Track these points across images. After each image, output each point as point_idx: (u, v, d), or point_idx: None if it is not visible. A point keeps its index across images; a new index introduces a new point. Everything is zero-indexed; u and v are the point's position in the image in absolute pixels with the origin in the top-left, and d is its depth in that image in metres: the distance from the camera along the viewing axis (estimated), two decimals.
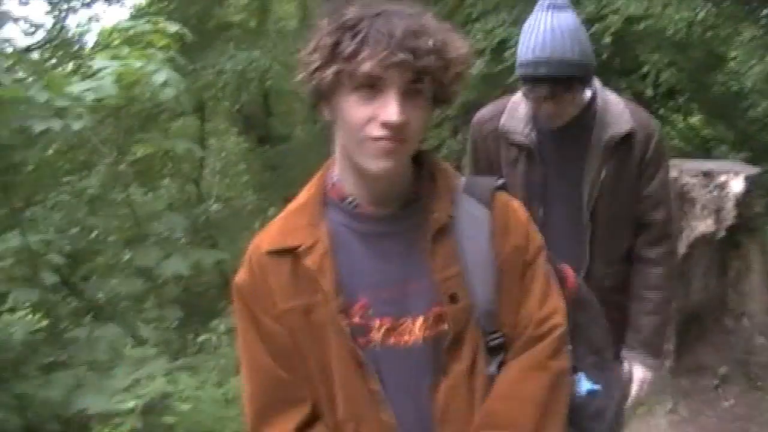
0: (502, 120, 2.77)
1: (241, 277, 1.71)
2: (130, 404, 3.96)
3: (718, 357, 4.86)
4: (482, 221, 1.65)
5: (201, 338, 6.44)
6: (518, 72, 2.60)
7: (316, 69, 1.53)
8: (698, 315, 4.84)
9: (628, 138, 2.65)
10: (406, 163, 1.65)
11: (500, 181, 1.76)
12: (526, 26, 2.62)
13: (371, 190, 1.65)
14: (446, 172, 1.74)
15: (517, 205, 1.75)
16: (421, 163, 1.72)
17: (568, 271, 1.97)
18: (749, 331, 4.86)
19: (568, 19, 2.58)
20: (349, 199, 1.68)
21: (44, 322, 5.67)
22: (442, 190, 1.68)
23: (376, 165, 1.54)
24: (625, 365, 2.84)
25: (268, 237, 1.71)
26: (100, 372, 4.33)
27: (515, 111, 2.78)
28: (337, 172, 1.70)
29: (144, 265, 4.92)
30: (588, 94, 2.72)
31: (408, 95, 1.51)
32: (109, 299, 5.82)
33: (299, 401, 1.68)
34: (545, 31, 2.53)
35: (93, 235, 6.49)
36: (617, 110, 2.70)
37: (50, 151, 7.07)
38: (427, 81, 1.52)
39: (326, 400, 1.66)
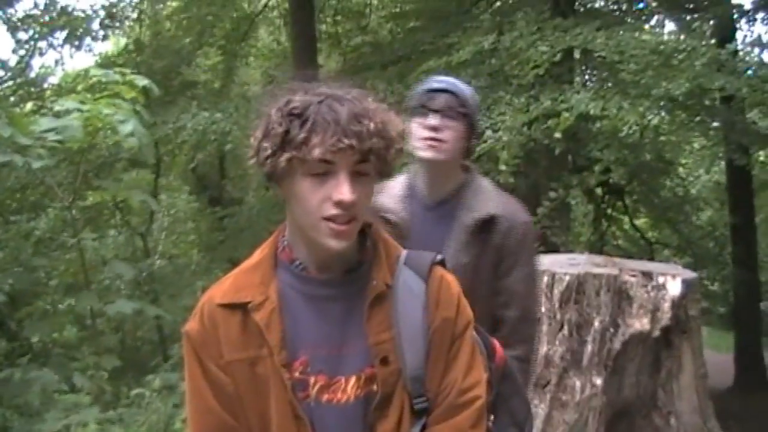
0: (379, 197, 2.77)
1: (191, 325, 1.77)
2: None
3: None
4: (418, 293, 1.76)
5: (134, 392, 6.35)
6: (414, 104, 2.68)
7: (268, 156, 1.64)
8: (628, 411, 4.93)
9: (490, 224, 2.62)
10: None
11: (439, 257, 1.86)
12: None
13: (319, 258, 1.75)
14: (387, 242, 1.85)
15: (451, 279, 1.85)
16: (364, 232, 1.82)
17: (497, 345, 2.08)
18: (675, 430, 4.94)
19: None
20: (297, 262, 1.77)
21: None
22: (382, 260, 1.80)
23: (331, 244, 1.65)
24: None
25: (221, 291, 1.78)
26: (29, 415, 4.25)
27: (392, 189, 2.82)
28: (288, 237, 1.81)
29: (85, 307, 4.87)
30: (463, 176, 2.75)
31: (356, 175, 1.63)
32: (45, 344, 5.75)
33: None
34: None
35: (36, 276, 6.43)
36: (486, 196, 2.70)
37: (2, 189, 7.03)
38: (372, 160, 1.64)
39: None
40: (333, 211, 1.62)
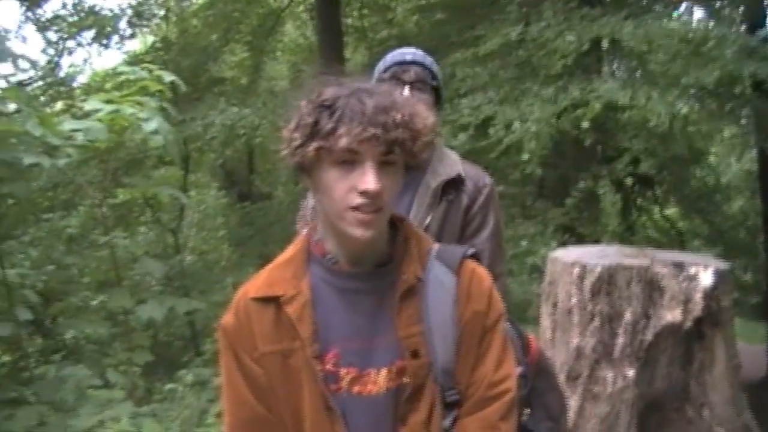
0: None
1: (227, 319, 1.82)
2: None
3: None
4: (448, 286, 1.78)
5: (167, 387, 6.41)
6: (384, 75, 2.68)
7: (299, 146, 1.69)
8: (660, 403, 4.90)
9: (456, 184, 2.66)
10: (383, 227, 1.78)
11: (471, 251, 1.88)
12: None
13: (349, 251, 1.78)
14: (419, 237, 1.88)
15: (482, 272, 1.86)
16: (395, 227, 1.86)
17: (533, 339, 2.08)
18: (709, 422, 4.89)
19: None
20: (329, 256, 1.81)
21: (6, 357, 5.64)
22: (413, 254, 1.82)
23: (357, 233, 1.68)
24: None
25: (255, 285, 1.83)
26: (64, 411, 4.30)
27: None
28: (320, 231, 1.84)
29: (119, 306, 4.91)
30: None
31: (382, 166, 1.67)
32: (78, 340, 5.81)
33: None
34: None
35: (68, 274, 6.49)
36: (451, 161, 2.74)
37: (34, 188, 7.09)
38: (397, 152, 1.67)
39: None
40: (359, 200, 1.64)
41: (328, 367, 1.73)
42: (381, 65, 2.73)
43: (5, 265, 4.82)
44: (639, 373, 4.95)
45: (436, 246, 1.87)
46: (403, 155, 1.68)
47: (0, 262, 4.51)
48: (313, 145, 1.65)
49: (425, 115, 1.74)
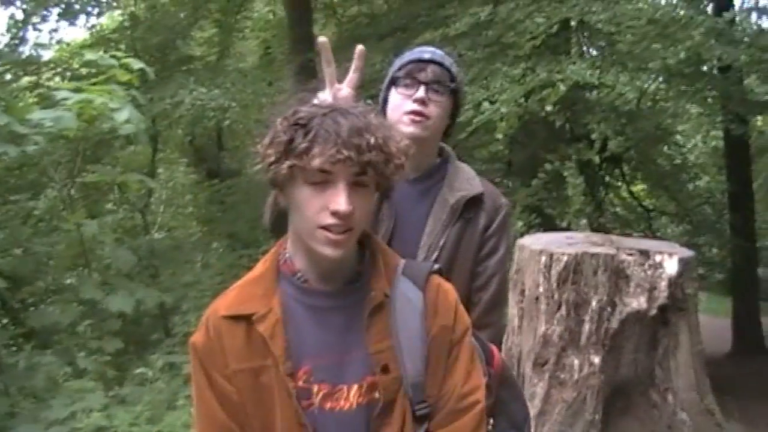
0: None
1: (197, 337, 1.83)
2: None
3: (642, 430, 4.96)
4: (415, 302, 1.81)
5: (137, 371, 6.40)
6: (398, 74, 2.51)
7: (272, 163, 1.70)
8: (626, 388, 4.97)
9: (477, 202, 2.54)
10: (352, 246, 1.80)
11: (436, 266, 1.92)
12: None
13: (319, 269, 1.80)
14: (386, 253, 1.91)
15: (448, 287, 1.90)
16: (363, 244, 1.88)
17: (495, 351, 2.11)
18: (672, 407, 4.98)
19: None
20: (299, 274, 1.82)
21: None
22: (380, 270, 1.85)
23: (327, 252, 1.71)
24: None
25: (225, 303, 1.82)
26: (36, 401, 4.30)
27: None
28: (289, 249, 1.85)
29: (89, 297, 4.90)
30: (438, 161, 2.62)
31: (354, 187, 1.68)
32: (46, 327, 5.78)
33: None
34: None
35: (36, 257, 6.44)
36: (468, 176, 2.61)
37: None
38: (370, 173, 1.69)
39: None
40: (330, 220, 1.66)
41: (300, 383, 1.74)
42: (397, 63, 2.57)
43: None
44: (605, 359, 5.03)
45: (402, 261, 1.89)
46: (375, 177, 1.70)
47: None
48: (287, 164, 1.66)
49: (399, 138, 1.76)
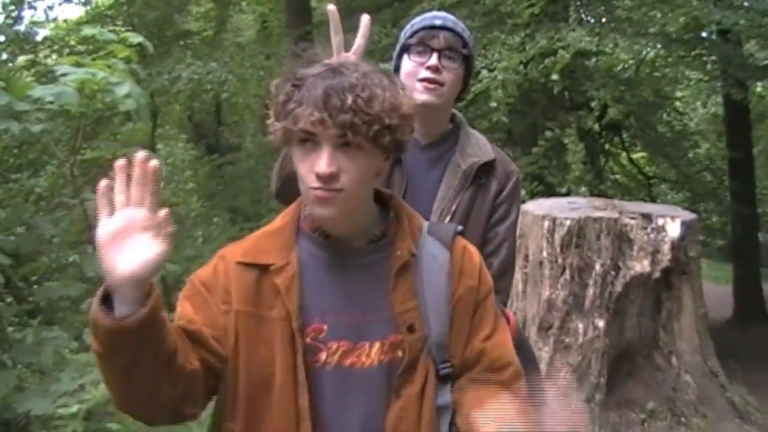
0: None
1: (203, 272, 1.80)
2: (73, 409, 3.95)
3: (647, 393, 5.02)
4: (442, 262, 1.81)
5: None
6: (410, 41, 2.47)
7: (271, 124, 1.70)
8: (630, 352, 5.02)
9: (489, 168, 2.52)
10: (366, 205, 1.79)
11: (460, 228, 1.91)
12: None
13: (322, 228, 1.79)
14: (410, 214, 1.89)
15: (473, 249, 1.90)
16: (386, 205, 1.87)
17: (510, 314, 2.13)
18: (677, 369, 5.04)
19: None
20: (319, 231, 1.81)
21: None
22: (406, 230, 1.83)
23: (317, 212, 1.70)
24: None
25: (239, 250, 1.81)
26: (44, 375, 4.32)
27: None
28: (307, 206, 1.83)
29: (92, 271, 4.90)
30: (450, 127, 2.61)
31: (341, 147, 1.64)
32: (52, 302, 5.79)
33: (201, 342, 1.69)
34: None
35: (38, 234, 6.45)
36: (480, 142, 2.59)
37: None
38: (349, 136, 1.63)
39: (257, 413, 1.74)
40: (314, 182, 1.65)
41: (308, 340, 1.73)
42: (408, 29, 2.53)
43: None
44: (609, 323, 5.07)
45: (426, 223, 1.89)
46: (358, 139, 1.65)
47: None
48: (279, 125, 1.66)
49: (387, 98, 1.67)
